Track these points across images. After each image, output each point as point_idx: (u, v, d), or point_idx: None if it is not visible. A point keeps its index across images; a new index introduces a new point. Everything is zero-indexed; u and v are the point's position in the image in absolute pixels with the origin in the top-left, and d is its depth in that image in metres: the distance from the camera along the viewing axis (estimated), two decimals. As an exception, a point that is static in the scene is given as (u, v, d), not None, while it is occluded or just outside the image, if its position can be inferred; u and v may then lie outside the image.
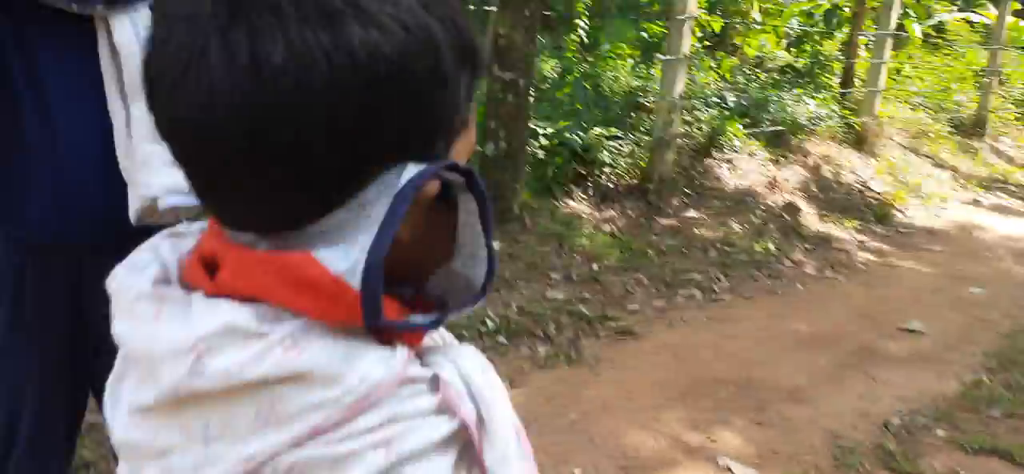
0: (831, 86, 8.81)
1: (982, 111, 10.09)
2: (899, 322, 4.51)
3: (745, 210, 5.99)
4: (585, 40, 8.20)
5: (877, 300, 4.92)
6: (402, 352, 0.54)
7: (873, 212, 6.75)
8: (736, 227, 5.68)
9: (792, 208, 6.30)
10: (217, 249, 0.57)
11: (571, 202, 5.40)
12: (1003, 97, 11.13)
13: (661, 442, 2.99)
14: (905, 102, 9.70)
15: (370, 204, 0.53)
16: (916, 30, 10.38)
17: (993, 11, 10.98)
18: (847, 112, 8.10)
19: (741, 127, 6.83)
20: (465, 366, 0.57)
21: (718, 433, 3.12)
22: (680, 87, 5.99)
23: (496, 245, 0.65)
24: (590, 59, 7.74)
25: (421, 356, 0.58)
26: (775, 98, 7.52)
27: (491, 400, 0.57)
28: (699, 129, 6.67)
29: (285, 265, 0.52)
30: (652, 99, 6.49)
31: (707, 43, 9.12)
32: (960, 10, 12.64)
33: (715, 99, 7.25)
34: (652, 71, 7.24)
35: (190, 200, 1.37)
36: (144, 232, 1.39)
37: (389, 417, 0.52)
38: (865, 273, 5.46)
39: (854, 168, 7.43)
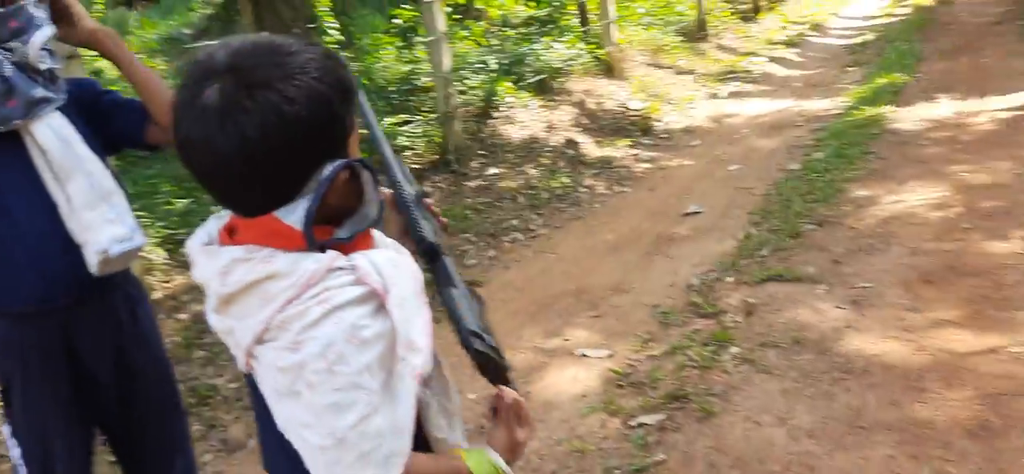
0: (572, 27, 9.69)
1: (701, 16, 11.56)
2: (681, 210, 5.42)
3: (535, 155, 6.71)
4: (340, 38, 8.52)
5: (660, 198, 5.82)
6: (329, 255, 1.00)
7: (637, 128, 7.74)
8: (532, 172, 6.39)
9: (572, 143, 7.12)
10: (235, 222, 1.06)
11: (383, 190, 5.83)
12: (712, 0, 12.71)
13: (527, 355, 3.58)
14: (637, 24, 10.86)
15: (308, 188, 1.00)
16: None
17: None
18: (592, 46, 9.02)
19: (510, 84, 7.53)
20: (376, 258, 1.03)
21: (569, 333, 3.77)
22: (447, 62, 6.52)
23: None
24: (351, 55, 8.06)
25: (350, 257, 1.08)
26: (529, 50, 8.29)
27: (392, 275, 1.02)
28: (475, 95, 7.30)
29: (265, 224, 1.01)
30: (425, 78, 7.00)
31: (457, 15, 9.74)
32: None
33: (479, 64, 7.90)
34: (416, 52, 7.72)
35: (132, 244, 1.77)
36: (106, 283, 1.77)
37: (323, 287, 0.98)
38: (645, 180, 6.37)
39: (612, 94, 8.40)
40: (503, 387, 1.27)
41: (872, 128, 6.62)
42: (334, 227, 1.05)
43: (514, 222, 5.52)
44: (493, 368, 1.21)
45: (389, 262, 1.04)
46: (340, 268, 1.00)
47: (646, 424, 2.87)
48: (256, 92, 0.95)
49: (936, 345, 3.15)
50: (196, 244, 1.09)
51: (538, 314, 4.04)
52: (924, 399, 2.80)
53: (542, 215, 5.64)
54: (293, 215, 1.01)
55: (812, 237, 4.44)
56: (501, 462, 1.17)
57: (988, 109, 6.78)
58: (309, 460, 1.00)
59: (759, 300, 3.75)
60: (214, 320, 1.08)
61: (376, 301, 1.00)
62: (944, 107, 7.08)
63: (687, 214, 5.32)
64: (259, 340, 1.00)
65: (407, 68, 7.56)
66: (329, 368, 0.96)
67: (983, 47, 9.79)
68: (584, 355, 3.52)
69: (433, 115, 6.58)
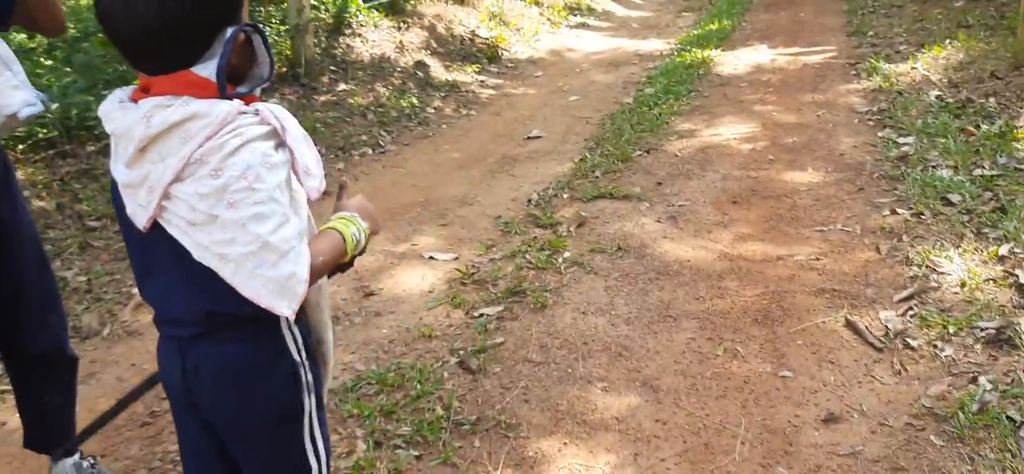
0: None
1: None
2: (524, 134, 5.74)
3: (385, 75, 6.82)
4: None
5: (504, 122, 6.12)
6: (237, 102, 1.21)
7: (485, 55, 7.99)
8: (382, 90, 6.50)
9: (422, 65, 7.27)
10: (148, 81, 1.23)
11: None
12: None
13: (379, 259, 3.79)
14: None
15: (214, 49, 1.21)
16: None
17: None
18: (446, -27, 9.14)
19: (362, 2, 7.54)
20: (271, 106, 1.25)
21: (417, 239, 4.00)
22: (301, -25, 6.47)
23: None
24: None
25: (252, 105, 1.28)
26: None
27: (286, 118, 1.25)
28: (327, 11, 7.27)
29: (181, 77, 1.20)
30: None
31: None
32: None
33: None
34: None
35: (38, 108, 1.84)
36: None
37: (236, 125, 1.18)
38: (490, 105, 6.65)
39: (462, 21, 8.58)
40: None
41: (699, 69, 7.20)
42: (234, 86, 1.25)
43: (363, 137, 5.64)
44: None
45: (281, 109, 1.26)
46: (246, 112, 1.21)
47: (487, 314, 3.17)
48: None
49: (736, 253, 3.65)
50: (111, 103, 1.25)
51: (388, 222, 4.24)
52: (722, 295, 3.27)
53: (391, 133, 5.80)
54: (206, 69, 1.20)
55: (639, 162, 4.89)
56: (350, 214, 1.38)
57: (799, 58, 7.53)
58: (230, 270, 1.18)
59: (590, 214, 4.14)
60: (123, 173, 1.24)
61: (277, 138, 1.22)
62: (762, 54, 7.78)
63: (529, 138, 5.65)
64: (178, 177, 1.18)
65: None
66: (250, 186, 1.16)
67: (803, 2, 10.71)
68: (432, 258, 3.77)
69: (284, 27, 6.52)
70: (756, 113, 5.87)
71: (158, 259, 1.27)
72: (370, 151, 5.46)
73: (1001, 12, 7.66)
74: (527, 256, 3.66)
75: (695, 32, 9.06)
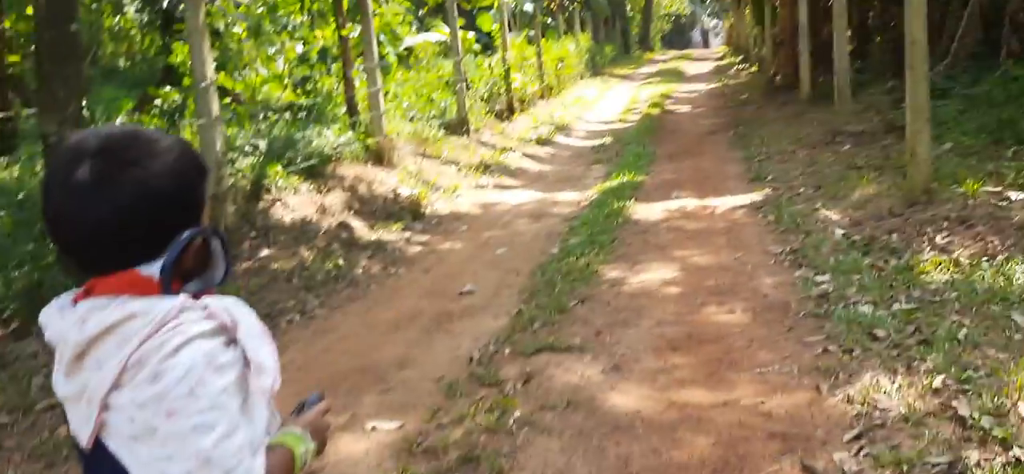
0: (339, 117, 9.86)
1: (462, 112, 12.27)
2: (456, 288, 5.73)
3: (308, 236, 6.76)
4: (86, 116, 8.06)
5: (434, 279, 6.11)
6: (182, 297, 1.13)
7: (408, 213, 8.05)
8: (306, 253, 6.42)
9: (345, 226, 7.25)
10: (91, 283, 1.16)
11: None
12: (471, 99, 13.56)
13: (320, 431, 3.63)
14: (403, 117, 11.33)
15: (166, 249, 1.13)
16: (393, 56, 12.20)
17: (446, 29, 13.34)
18: (361, 136, 9.29)
19: (280, 168, 7.54)
20: (222, 300, 1.17)
21: (357, 409, 3.86)
22: (219, 144, 6.45)
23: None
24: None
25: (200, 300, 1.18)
26: (300, 136, 8.37)
27: (238, 312, 1.16)
28: (244, 177, 7.22)
29: (125, 277, 1.13)
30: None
31: (226, 99, 9.56)
32: (421, 32, 15.02)
33: (249, 147, 7.84)
34: (184, 135, 7.52)
35: None
36: None
37: (178, 322, 1.09)
38: (419, 262, 6.65)
39: (382, 181, 8.67)
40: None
41: (617, 218, 7.43)
42: (182, 283, 1.18)
43: (290, 303, 5.51)
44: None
45: (233, 302, 1.19)
46: (191, 308, 1.13)
47: (443, 486, 3.05)
48: (127, 169, 1.11)
49: (683, 400, 3.67)
50: (51, 309, 1.19)
51: (326, 392, 4.09)
52: (678, 446, 3.26)
53: (319, 296, 5.69)
54: (152, 268, 1.14)
55: (576, 312, 4.93)
56: (302, 432, 1.29)
57: (708, 205, 7.89)
58: None
59: (534, 369, 4.11)
60: (62, 386, 1.15)
61: (227, 335, 1.13)
62: (673, 203, 8.12)
63: (462, 293, 5.64)
64: (116, 384, 1.08)
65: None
66: (191, 391, 1.06)
67: (703, 152, 11.32)
68: (375, 428, 3.64)
69: (202, 195, 6.41)
70: (677, 258, 6.06)
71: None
72: (298, 317, 5.32)
73: (886, 153, 8.28)
74: (476, 419, 3.58)
75: (608, 183, 9.40)
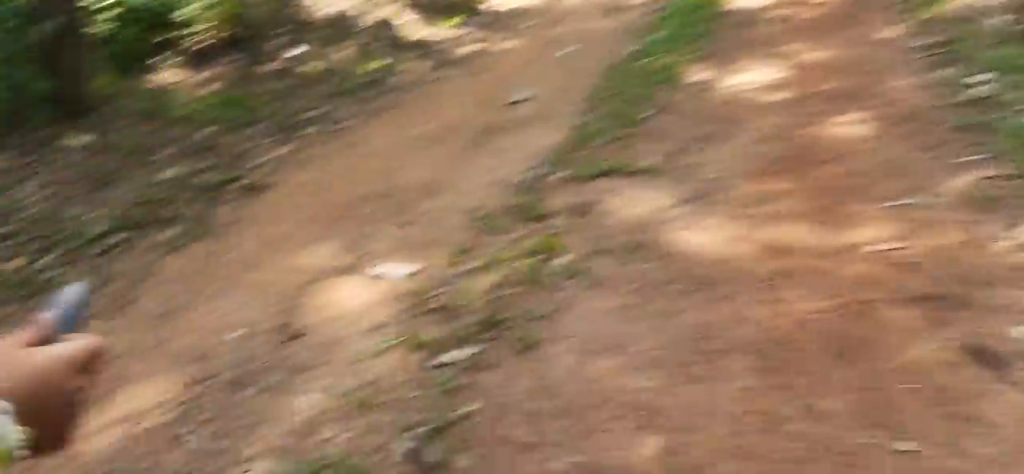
0: None
1: None
2: (509, 96, 4.79)
3: (345, 36, 5.86)
4: None
5: (486, 84, 5.17)
6: None
7: (465, 7, 7.00)
8: (342, 54, 5.55)
9: (387, 23, 6.29)
10: None
11: (163, 74, 4.86)
12: None
13: (312, 277, 2.89)
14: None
15: None
16: None
17: None
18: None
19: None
20: None
21: (369, 245, 3.10)
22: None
23: None
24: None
25: None
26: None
27: None
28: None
29: None
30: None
31: None
32: None
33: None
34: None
35: None
36: None
37: None
38: (470, 64, 5.69)
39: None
40: None
41: (709, 8, 6.22)
42: None
43: (316, 112, 4.71)
44: None
45: None
46: None
47: (454, 363, 2.27)
48: None
49: (786, 243, 2.74)
50: None
51: (336, 221, 3.34)
52: (777, 311, 2.37)
53: (348, 104, 4.86)
54: None
55: (650, 125, 3.96)
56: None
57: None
58: None
59: (592, 198, 3.22)
60: None
61: None
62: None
63: (515, 102, 4.71)
64: None
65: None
66: None
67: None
68: (382, 276, 2.86)
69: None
70: (784, 54, 4.92)
71: None
72: (324, 127, 4.52)
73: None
74: (511, 265, 2.75)
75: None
